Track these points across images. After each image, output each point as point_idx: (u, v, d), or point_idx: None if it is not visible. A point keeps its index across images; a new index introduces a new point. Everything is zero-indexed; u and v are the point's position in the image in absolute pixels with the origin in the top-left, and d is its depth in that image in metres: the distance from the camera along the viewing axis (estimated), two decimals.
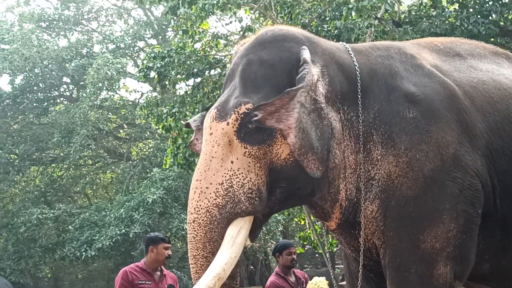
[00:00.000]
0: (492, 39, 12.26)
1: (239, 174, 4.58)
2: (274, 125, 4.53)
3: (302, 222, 16.64)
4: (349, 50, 5.13)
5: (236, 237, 4.54)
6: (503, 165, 5.09)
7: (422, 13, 13.54)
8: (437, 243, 4.78)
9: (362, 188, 4.89)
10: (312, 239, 15.48)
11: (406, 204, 4.81)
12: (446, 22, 12.58)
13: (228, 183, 4.56)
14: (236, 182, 4.57)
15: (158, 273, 7.33)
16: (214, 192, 4.56)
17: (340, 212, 4.99)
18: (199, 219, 4.54)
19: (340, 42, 5.38)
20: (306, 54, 4.74)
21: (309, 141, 4.58)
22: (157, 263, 7.28)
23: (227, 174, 4.58)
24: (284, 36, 4.98)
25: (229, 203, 4.54)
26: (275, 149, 4.65)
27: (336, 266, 25.51)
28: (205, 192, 4.58)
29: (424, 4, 13.68)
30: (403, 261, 4.83)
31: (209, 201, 4.55)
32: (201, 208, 4.55)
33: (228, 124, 4.64)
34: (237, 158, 4.61)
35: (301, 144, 4.53)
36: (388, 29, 12.65)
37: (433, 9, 13.44)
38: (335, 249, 17.47)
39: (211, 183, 4.57)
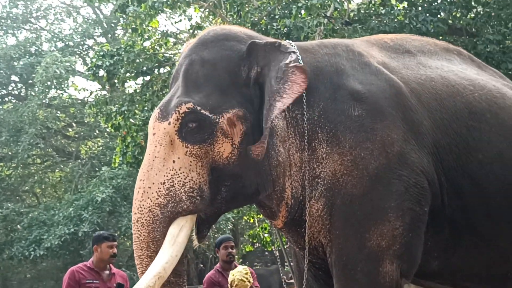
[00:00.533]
0: (440, 37, 12.40)
1: (181, 173, 4.58)
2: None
3: (252, 220, 16.74)
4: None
5: (177, 236, 4.53)
6: (450, 162, 5.09)
7: (372, 11, 13.72)
8: (383, 241, 4.76)
9: (307, 186, 4.87)
10: (262, 237, 15.57)
11: (351, 202, 4.79)
12: (395, 20, 12.75)
13: (170, 182, 4.57)
14: (178, 181, 4.58)
15: (107, 272, 7.30)
16: (156, 191, 4.55)
17: (286, 211, 4.97)
18: (142, 219, 4.55)
19: (287, 41, 5.27)
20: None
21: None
22: (103, 262, 7.26)
23: (169, 173, 4.59)
24: (225, 35, 4.99)
25: (170, 202, 4.54)
26: (216, 148, 4.66)
27: (285, 264, 25.63)
28: (147, 192, 4.57)
29: (373, 2, 13.87)
30: (349, 259, 4.81)
31: (151, 201, 4.54)
32: (144, 208, 4.55)
33: (169, 124, 4.65)
34: (179, 158, 4.62)
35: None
36: (338, 27, 12.79)
37: (382, 7, 13.60)
38: (286, 246, 17.55)
39: (153, 183, 4.57)
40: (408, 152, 4.88)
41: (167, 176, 4.58)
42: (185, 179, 4.58)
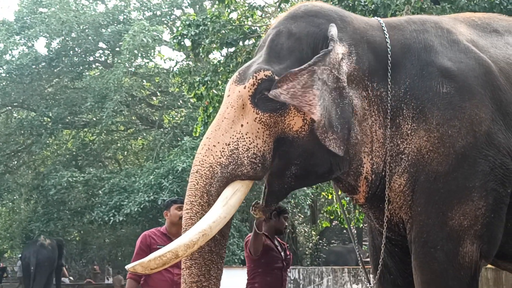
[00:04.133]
0: None
1: (247, 138, 4.75)
2: (288, 101, 4.63)
3: (330, 197, 16.62)
4: (383, 26, 5.15)
5: (230, 198, 4.66)
6: None
7: None
8: (465, 220, 4.77)
9: (390, 162, 4.90)
10: (339, 214, 15.49)
11: (435, 179, 4.81)
12: (485, 0, 12.43)
13: (235, 144, 4.72)
14: (242, 145, 4.72)
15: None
16: (220, 151, 4.71)
17: (366, 186, 5.01)
18: (201, 171, 4.71)
19: (376, 18, 5.41)
20: (333, 31, 4.80)
21: (329, 119, 4.65)
22: (174, 226, 7.20)
23: (235, 136, 4.74)
24: (316, 12, 5.06)
25: (232, 164, 4.70)
26: (287, 120, 4.75)
27: (363, 242, 25.53)
28: (211, 149, 4.73)
29: None
30: (430, 237, 4.82)
31: (214, 158, 4.71)
32: (205, 163, 4.71)
33: (244, 87, 4.78)
34: (247, 122, 4.76)
35: (323, 123, 4.62)
36: (426, 6, 12.51)
37: None
38: (361, 225, 17.44)
39: (218, 142, 4.73)
40: (495, 132, 4.85)
41: (232, 138, 4.73)
42: (250, 144, 4.72)
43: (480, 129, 4.81)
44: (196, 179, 4.72)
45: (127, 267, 4.57)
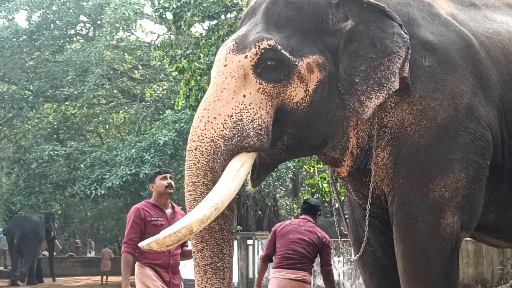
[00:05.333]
0: None
1: (250, 109, 4.58)
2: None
3: (312, 170, 16.68)
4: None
5: (238, 170, 4.50)
6: None
7: None
8: (446, 192, 4.82)
9: (375, 135, 4.91)
10: (321, 187, 15.55)
11: (417, 152, 4.85)
12: None
13: (238, 116, 4.54)
14: (247, 116, 4.55)
15: (170, 210, 7.29)
16: (222, 123, 4.52)
17: (351, 160, 5.04)
18: (202, 147, 4.50)
19: None
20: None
21: None
22: (162, 197, 7.23)
23: (238, 107, 4.57)
24: None
25: (236, 136, 4.51)
26: (289, 91, 4.65)
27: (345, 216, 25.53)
28: (211, 122, 4.53)
29: None
30: (411, 209, 4.87)
31: (215, 131, 4.51)
32: (206, 137, 4.51)
33: (246, 57, 4.63)
34: (250, 93, 4.62)
35: None
36: None
37: None
38: (342, 198, 17.54)
39: (219, 114, 4.55)
40: (476, 105, 4.90)
41: (235, 109, 4.55)
42: (254, 115, 4.56)
43: (461, 101, 4.85)
44: (196, 157, 4.52)
45: (141, 244, 4.34)
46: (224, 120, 4.52)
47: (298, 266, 7.40)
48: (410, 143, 4.86)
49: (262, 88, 4.62)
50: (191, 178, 4.53)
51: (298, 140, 4.76)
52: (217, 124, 4.52)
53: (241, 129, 4.52)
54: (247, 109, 4.56)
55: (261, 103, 4.61)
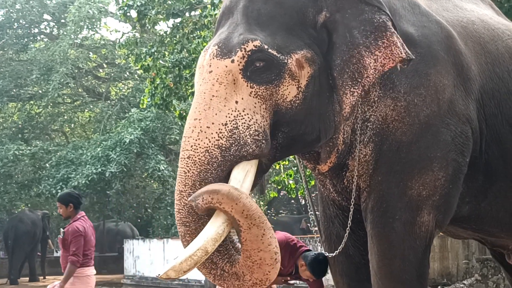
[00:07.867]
0: None
1: (245, 115, 4.31)
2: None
3: (277, 167, 16.69)
4: None
5: (243, 181, 4.28)
6: (492, 108, 5.08)
7: None
8: (424, 191, 4.76)
9: (358, 129, 4.78)
10: (286, 183, 15.56)
11: (398, 149, 4.75)
12: None
13: (233, 124, 4.28)
14: (242, 123, 4.29)
15: None
16: (216, 132, 4.26)
17: (336, 157, 4.85)
18: (195, 157, 4.24)
19: None
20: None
21: None
22: None
23: (232, 114, 4.29)
24: None
25: (234, 145, 4.26)
26: (281, 90, 4.41)
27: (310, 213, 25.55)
28: (205, 132, 4.27)
29: None
30: (389, 206, 4.78)
31: (210, 141, 4.24)
32: (200, 147, 4.23)
33: (233, 61, 4.34)
34: (242, 98, 4.33)
35: None
36: None
37: None
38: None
39: (212, 123, 4.27)
40: (457, 99, 4.84)
41: (229, 117, 4.29)
42: (249, 121, 4.31)
43: (443, 96, 4.76)
44: (187, 166, 4.26)
45: (159, 276, 4.10)
46: (219, 129, 4.26)
47: None
48: (392, 140, 4.74)
49: (254, 92, 4.34)
50: (179, 186, 4.31)
51: (292, 138, 4.53)
52: (211, 133, 4.26)
53: (238, 138, 4.26)
54: (242, 116, 4.30)
55: (255, 107, 4.33)
